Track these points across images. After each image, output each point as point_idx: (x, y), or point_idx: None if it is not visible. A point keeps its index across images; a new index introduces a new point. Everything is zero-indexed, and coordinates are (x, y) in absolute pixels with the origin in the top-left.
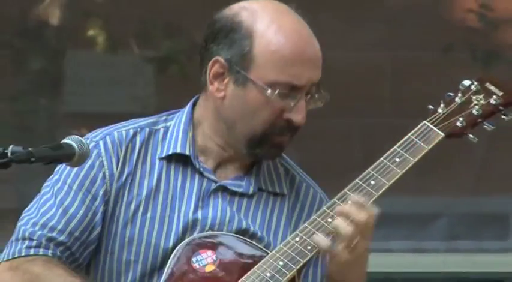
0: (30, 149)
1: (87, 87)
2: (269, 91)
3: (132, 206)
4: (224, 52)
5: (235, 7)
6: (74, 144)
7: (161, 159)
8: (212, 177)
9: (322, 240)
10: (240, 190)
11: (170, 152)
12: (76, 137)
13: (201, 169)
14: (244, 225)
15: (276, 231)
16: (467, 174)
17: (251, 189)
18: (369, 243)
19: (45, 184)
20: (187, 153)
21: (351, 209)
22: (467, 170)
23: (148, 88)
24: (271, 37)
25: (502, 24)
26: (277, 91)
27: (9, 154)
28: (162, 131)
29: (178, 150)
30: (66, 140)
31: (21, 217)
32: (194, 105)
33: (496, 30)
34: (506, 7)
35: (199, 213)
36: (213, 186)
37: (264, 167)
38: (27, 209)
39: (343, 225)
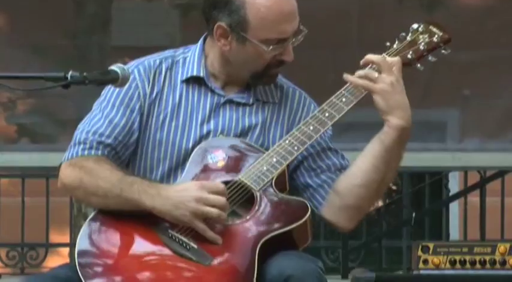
0: (84, 73)
1: (130, 27)
2: (263, 47)
3: (161, 117)
4: (225, 19)
5: None
6: (118, 70)
7: (182, 81)
8: (221, 92)
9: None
10: (243, 101)
11: (189, 75)
12: (120, 64)
13: (213, 87)
14: (247, 125)
15: (269, 129)
16: (415, 93)
17: (251, 100)
18: (397, 78)
19: (94, 104)
20: (201, 75)
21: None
22: (416, 89)
23: (175, 27)
24: (259, 5)
25: None
26: (270, 47)
27: (69, 78)
28: (181, 60)
29: (195, 73)
30: (112, 67)
31: (77, 128)
32: (205, 40)
33: None
34: None
35: (212, 122)
36: (222, 100)
37: None
38: (82, 122)
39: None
